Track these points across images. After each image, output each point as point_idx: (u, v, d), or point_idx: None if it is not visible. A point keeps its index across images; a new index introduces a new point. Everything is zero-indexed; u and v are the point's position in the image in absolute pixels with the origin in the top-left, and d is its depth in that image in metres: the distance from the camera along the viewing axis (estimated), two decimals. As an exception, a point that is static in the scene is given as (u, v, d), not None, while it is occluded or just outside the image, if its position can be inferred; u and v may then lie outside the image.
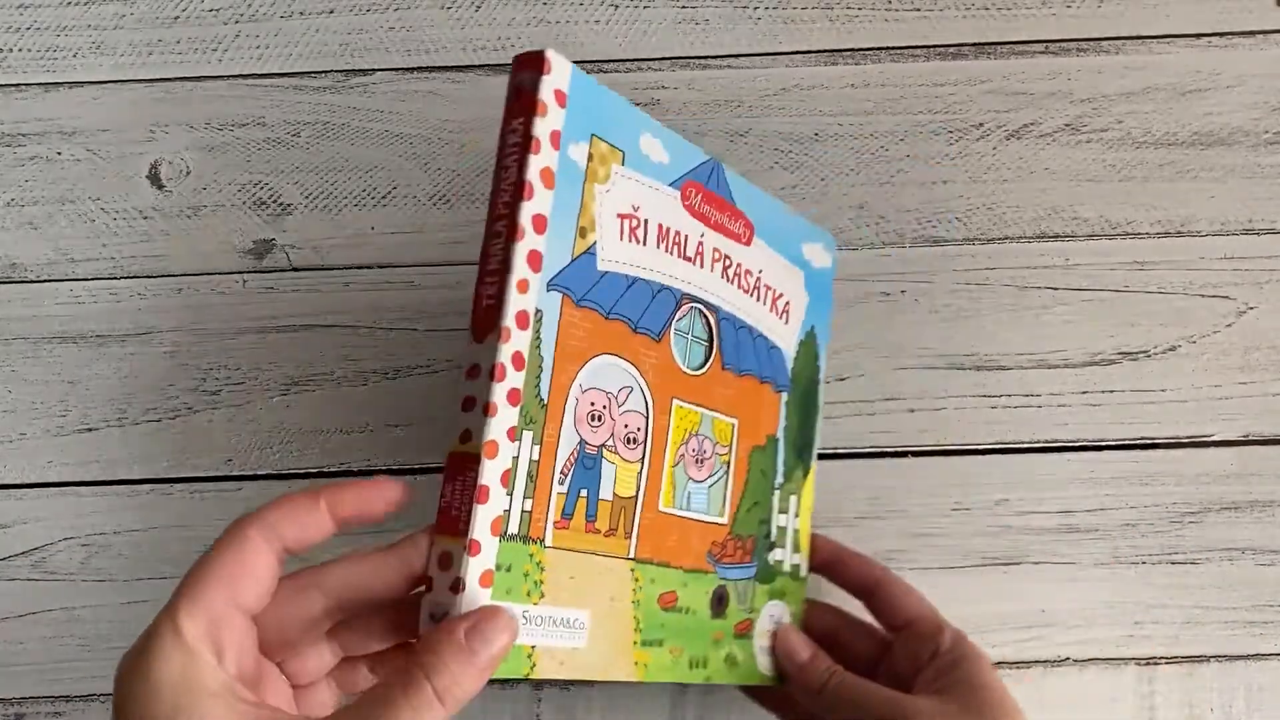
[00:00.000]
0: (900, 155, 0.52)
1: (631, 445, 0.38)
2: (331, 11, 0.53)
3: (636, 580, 0.38)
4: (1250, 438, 0.50)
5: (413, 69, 0.53)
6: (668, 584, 0.39)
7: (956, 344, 0.51)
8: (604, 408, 0.37)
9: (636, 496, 0.38)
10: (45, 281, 0.52)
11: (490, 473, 0.32)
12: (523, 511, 0.34)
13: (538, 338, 0.34)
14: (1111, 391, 0.51)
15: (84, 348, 0.51)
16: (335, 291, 0.52)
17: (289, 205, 0.52)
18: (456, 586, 0.31)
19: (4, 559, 0.51)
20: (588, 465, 0.36)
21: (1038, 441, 0.51)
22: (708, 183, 0.41)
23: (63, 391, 0.51)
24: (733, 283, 0.42)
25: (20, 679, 0.50)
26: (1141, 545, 0.50)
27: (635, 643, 0.37)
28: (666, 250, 0.39)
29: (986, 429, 0.51)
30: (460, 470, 0.32)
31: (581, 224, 0.36)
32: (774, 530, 0.44)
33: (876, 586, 0.44)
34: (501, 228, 0.34)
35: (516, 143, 0.34)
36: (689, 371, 0.40)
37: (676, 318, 0.40)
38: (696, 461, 0.41)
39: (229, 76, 0.53)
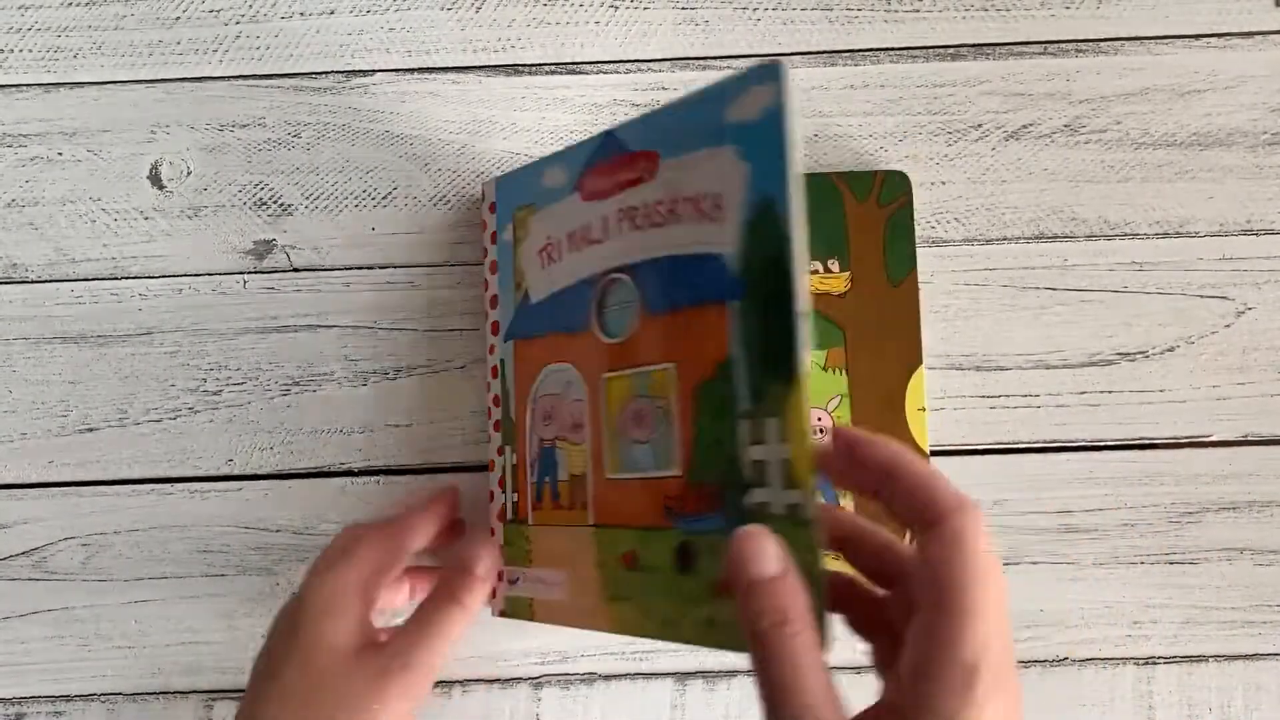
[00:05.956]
0: (900, 155, 0.52)
1: (577, 429, 0.43)
2: (332, 12, 0.53)
3: (600, 543, 0.41)
4: (1248, 438, 0.51)
5: (413, 69, 0.53)
6: (627, 544, 0.40)
7: (956, 344, 0.51)
8: (553, 407, 0.44)
9: (586, 472, 0.42)
10: (46, 281, 0.52)
11: (492, 480, 0.47)
12: (512, 503, 0.46)
13: (504, 379, 0.46)
14: (1110, 392, 0.51)
15: (84, 348, 0.52)
16: (335, 291, 0.52)
17: (289, 205, 0.52)
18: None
19: (4, 559, 0.51)
20: (546, 457, 0.44)
21: (1037, 441, 0.51)
22: (605, 159, 0.41)
23: (63, 391, 0.51)
24: (643, 227, 0.39)
25: (20, 679, 0.50)
26: (1140, 545, 0.50)
27: (605, 598, 0.41)
28: (579, 250, 0.43)
29: (986, 429, 0.51)
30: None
31: (516, 280, 0.46)
32: (747, 467, 0.35)
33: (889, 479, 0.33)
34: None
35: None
36: (613, 341, 0.41)
37: (598, 300, 0.42)
38: (637, 423, 0.40)
39: (229, 77, 0.53)
